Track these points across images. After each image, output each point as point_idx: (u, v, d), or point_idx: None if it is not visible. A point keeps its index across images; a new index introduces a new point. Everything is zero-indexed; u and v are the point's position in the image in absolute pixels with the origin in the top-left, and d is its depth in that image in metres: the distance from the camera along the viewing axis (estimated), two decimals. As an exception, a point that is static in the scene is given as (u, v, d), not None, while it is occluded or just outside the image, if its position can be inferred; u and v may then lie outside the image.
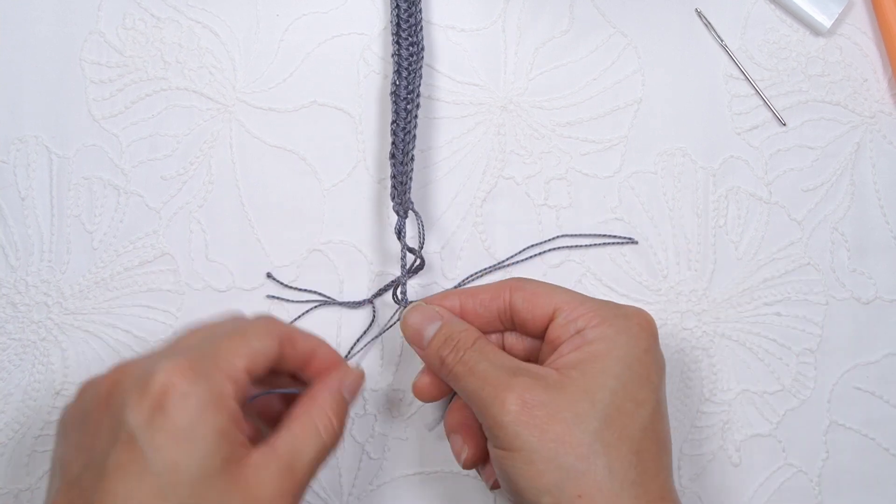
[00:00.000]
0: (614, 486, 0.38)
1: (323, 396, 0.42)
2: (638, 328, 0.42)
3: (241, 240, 0.51)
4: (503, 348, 0.46)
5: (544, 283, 0.45)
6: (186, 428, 0.36)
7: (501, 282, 0.45)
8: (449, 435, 0.45)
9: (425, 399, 0.46)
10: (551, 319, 0.43)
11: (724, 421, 0.50)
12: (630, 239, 0.51)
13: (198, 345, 0.40)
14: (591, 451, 0.38)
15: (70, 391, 0.49)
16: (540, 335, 0.45)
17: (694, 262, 0.51)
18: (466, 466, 0.44)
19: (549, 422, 0.39)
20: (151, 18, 0.52)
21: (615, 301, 0.44)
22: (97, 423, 0.38)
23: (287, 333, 0.42)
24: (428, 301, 0.45)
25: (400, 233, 0.47)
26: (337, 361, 0.44)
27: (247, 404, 0.41)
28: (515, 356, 0.45)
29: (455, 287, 0.50)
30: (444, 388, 0.45)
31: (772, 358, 0.51)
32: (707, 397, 0.50)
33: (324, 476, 0.49)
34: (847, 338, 0.51)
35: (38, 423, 0.49)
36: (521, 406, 0.39)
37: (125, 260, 0.50)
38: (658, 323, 0.50)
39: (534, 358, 0.45)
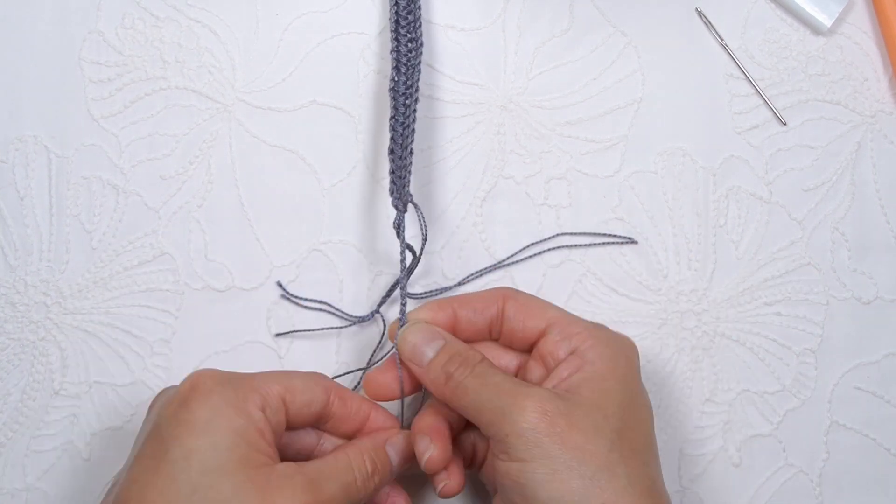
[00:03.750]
0: (635, 493, 0.39)
1: (363, 441, 0.43)
2: (630, 350, 0.44)
3: (241, 240, 0.51)
4: None
5: (536, 296, 0.46)
6: (205, 421, 0.38)
7: (494, 289, 0.46)
8: (415, 436, 0.44)
9: (376, 396, 0.45)
10: (543, 334, 0.44)
11: (725, 421, 0.50)
12: (630, 239, 0.51)
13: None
14: (611, 461, 0.39)
15: (69, 391, 0.49)
16: (527, 349, 0.45)
17: (694, 262, 0.51)
18: (430, 468, 0.43)
19: (569, 431, 0.39)
20: (151, 18, 0.51)
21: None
22: (141, 431, 0.41)
23: (336, 388, 0.44)
24: (423, 310, 0.45)
25: (399, 227, 0.46)
26: (391, 426, 0.45)
27: None
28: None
29: (456, 285, 0.50)
30: (395, 390, 0.45)
31: (772, 358, 0.50)
32: (707, 397, 0.50)
33: (323, 476, 0.49)
34: (848, 338, 0.51)
35: (37, 423, 0.49)
36: (541, 414, 0.39)
37: (124, 260, 0.50)
38: (658, 323, 0.50)
39: (513, 375, 0.45)
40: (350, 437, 0.45)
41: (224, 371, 0.41)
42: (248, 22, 0.52)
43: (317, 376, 0.44)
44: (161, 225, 0.50)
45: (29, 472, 0.49)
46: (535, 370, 0.44)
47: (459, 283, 0.50)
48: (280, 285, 0.50)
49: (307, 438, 0.45)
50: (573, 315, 0.45)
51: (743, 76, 0.52)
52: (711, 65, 0.52)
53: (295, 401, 0.42)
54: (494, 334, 0.46)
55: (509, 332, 0.45)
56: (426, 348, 0.44)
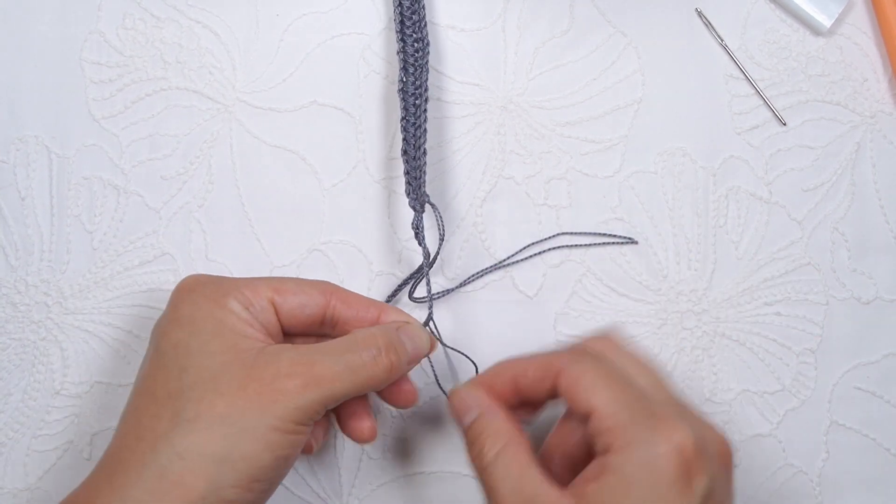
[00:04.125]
0: None
1: (375, 327, 0.43)
2: (664, 460, 0.36)
3: (241, 240, 0.51)
4: (557, 433, 0.42)
5: (590, 370, 0.39)
6: (188, 315, 0.41)
7: (550, 359, 0.41)
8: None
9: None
10: (589, 419, 0.39)
11: (725, 421, 0.50)
12: (630, 239, 0.51)
13: None
14: None
15: (70, 391, 0.49)
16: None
17: (694, 262, 0.51)
18: None
19: None
20: (151, 18, 0.52)
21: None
22: None
23: (338, 291, 0.44)
24: (482, 378, 0.43)
25: (418, 228, 0.46)
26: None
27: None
28: (570, 443, 0.42)
29: (458, 286, 0.50)
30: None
31: (772, 358, 0.50)
32: (707, 397, 0.50)
33: (323, 476, 0.49)
34: (847, 338, 0.51)
35: (38, 423, 0.49)
36: None
37: (125, 260, 0.50)
38: (658, 323, 0.50)
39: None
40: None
41: (211, 275, 0.44)
42: (249, 22, 0.52)
43: (317, 281, 0.44)
44: (162, 225, 0.51)
45: (30, 471, 0.49)
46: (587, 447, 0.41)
47: (461, 285, 0.50)
48: None
49: None
50: (620, 397, 0.38)
51: (743, 76, 0.52)
52: (711, 65, 0.52)
53: (285, 302, 0.42)
54: None
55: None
56: (463, 417, 0.41)
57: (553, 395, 0.41)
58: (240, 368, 0.39)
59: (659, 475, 0.36)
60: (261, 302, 0.42)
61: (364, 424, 0.44)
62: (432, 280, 0.50)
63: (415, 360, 0.43)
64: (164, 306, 0.50)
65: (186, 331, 0.41)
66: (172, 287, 0.50)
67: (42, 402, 0.49)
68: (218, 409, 0.38)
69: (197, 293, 0.42)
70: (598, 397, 0.38)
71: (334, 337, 0.44)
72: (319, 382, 0.39)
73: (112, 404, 0.49)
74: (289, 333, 0.44)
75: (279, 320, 0.43)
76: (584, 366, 0.40)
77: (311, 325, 0.43)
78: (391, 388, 0.44)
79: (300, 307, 0.43)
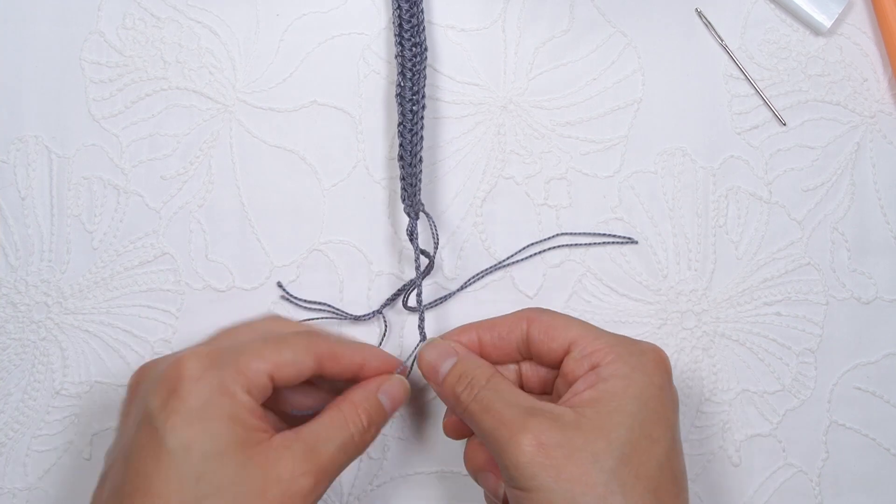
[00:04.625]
0: None
1: (355, 394, 0.43)
2: (653, 365, 0.42)
3: (241, 240, 0.51)
4: (520, 379, 0.46)
5: (560, 314, 0.45)
6: (198, 409, 0.39)
7: (518, 313, 0.45)
8: (477, 474, 0.44)
9: (454, 437, 0.46)
10: (567, 353, 0.43)
11: (724, 421, 0.50)
12: (630, 239, 0.51)
13: (228, 343, 0.42)
14: (608, 491, 0.38)
15: (70, 391, 0.49)
16: (556, 366, 0.44)
17: (694, 262, 0.51)
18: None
19: (565, 462, 0.38)
20: (151, 18, 0.52)
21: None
22: (128, 413, 0.41)
23: (328, 351, 0.43)
24: (445, 336, 0.45)
25: (412, 234, 0.47)
26: (385, 366, 0.45)
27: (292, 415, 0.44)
28: (531, 388, 0.45)
29: (458, 289, 0.50)
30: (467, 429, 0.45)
31: (772, 358, 0.51)
32: (707, 397, 0.50)
33: (324, 476, 0.49)
34: (847, 338, 0.51)
35: (38, 423, 0.49)
36: (537, 447, 0.39)
37: (125, 260, 0.50)
38: (658, 323, 0.50)
39: (550, 388, 0.45)
40: (348, 380, 0.45)
41: (209, 351, 0.41)
42: (249, 22, 0.52)
43: (309, 343, 0.43)
44: (162, 225, 0.51)
45: (30, 471, 0.49)
46: (561, 388, 0.44)
47: (461, 289, 0.50)
48: (280, 286, 0.50)
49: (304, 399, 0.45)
50: (597, 330, 0.44)
51: (743, 76, 0.52)
52: (711, 65, 0.52)
53: (283, 377, 0.42)
54: (525, 355, 0.45)
55: (537, 355, 0.44)
56: (440, 366, 0.44)
57: (516, 356, 0.45)
58: (257, 470, 0.38)
59: (650, 379, 0.41)
60: (261, 380, 0.41)
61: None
62: (431, 279, 0.50)
63: (393, 413, 0.44)
64: (163, 306, 0.50)
65: (199, 429, 0.38)
66: (172, 287, 0.50)
67: (42, 402, 0.49)
68: None
69: (203, 382, 0.39)
70: (576, 331, 0.43)
71: (323, 377, 0.44)
72: (328, 473, 0.40)
73: (112, 404, 0.49)
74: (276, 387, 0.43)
75: (274, 385, 0.42)
76: (554, 314, 0.45)
77: (303, 380, 0.43)
78: None
79: (296, 376, 0.42)
